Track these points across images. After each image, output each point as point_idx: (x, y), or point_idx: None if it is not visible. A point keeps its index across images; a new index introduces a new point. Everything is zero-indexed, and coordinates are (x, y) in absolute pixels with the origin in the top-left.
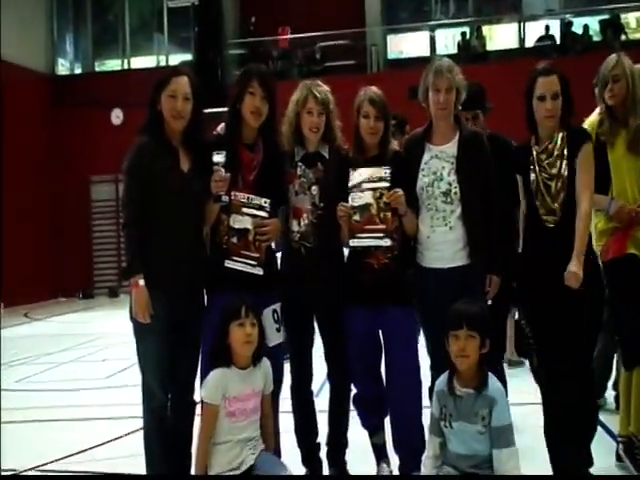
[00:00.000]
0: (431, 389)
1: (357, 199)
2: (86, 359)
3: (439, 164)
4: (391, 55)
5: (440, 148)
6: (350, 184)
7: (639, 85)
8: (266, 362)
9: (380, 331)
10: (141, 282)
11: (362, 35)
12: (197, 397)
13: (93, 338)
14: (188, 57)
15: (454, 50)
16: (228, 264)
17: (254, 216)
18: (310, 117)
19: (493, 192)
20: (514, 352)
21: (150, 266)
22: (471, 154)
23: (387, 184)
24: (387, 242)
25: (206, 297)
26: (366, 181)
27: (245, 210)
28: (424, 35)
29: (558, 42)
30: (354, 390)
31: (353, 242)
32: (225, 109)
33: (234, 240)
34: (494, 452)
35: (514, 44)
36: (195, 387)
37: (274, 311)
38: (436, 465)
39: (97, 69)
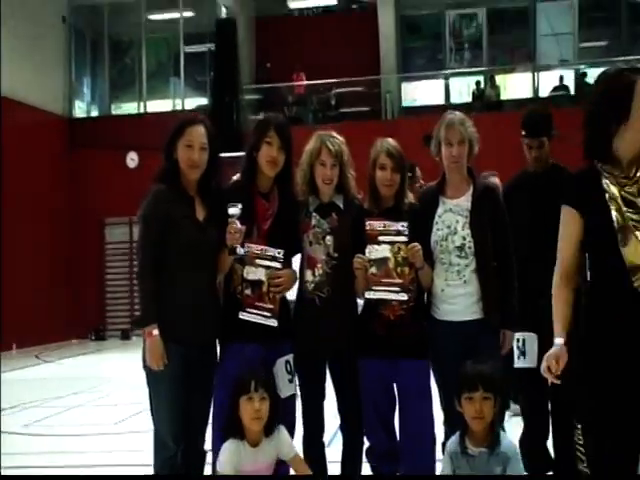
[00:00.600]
0: (444, 444)
1: (374, 252)
2: (96, 403)
3: (453, 218)
4: (405, 102)
5: (454, 202)
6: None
7: None
8: (281, 432)
9: (395, 384)
10: (155, 332)
11: (377, 82)
12: (207, 445)
13: (104, 382)
14: (204, 101)
15: (468, 98)
16: (243, 316)
17: (268, 267)
18: (323, 169)
19: (507, 246)
20: None
21: (164, 315)
22: (485, 208)
23: (405, 238)
24: (404, 296)
25: (219, 347)
26: (383, 233)
27: (259, 262)
28: (439, 83)
29: (572, 92)
30: (367, 442)
31: (369, 294)
32: (240, 154)
33: (248, 292)
34: None
35: (528, 93)
36: (206, 437)
37: (287, 362)
38: None
39: (113, 112)
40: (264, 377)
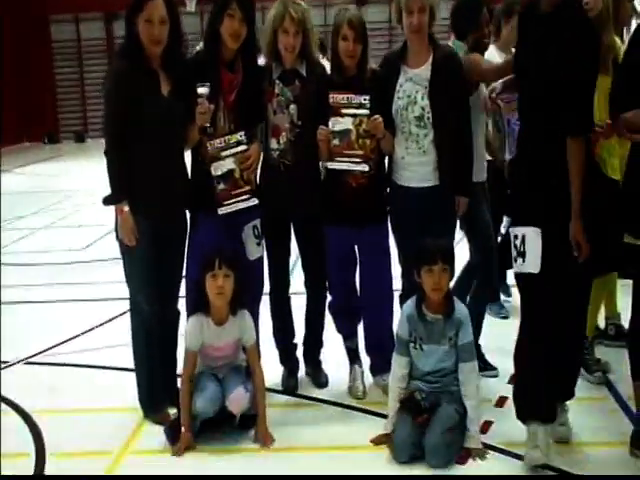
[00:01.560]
0: (401, 296)
1: (337, 124)
2: (60, 224)
3: (413, 88)
4: None
5: (415, 71)
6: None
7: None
8: (245, 315)
9: (356, 246)
10: (126, 208)
11: None
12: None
13: (64, 197)
14: None
15: None
16: (222, 211)
17: (235, 154)
18: (286, 37)
19: (463, 116)
20: None
21: (133, 190)
22: (444, 78)
23: (367, 111)
24: (364, 167)
25: (189, 218)
26: (346, 106)
27: (225, 153)
28: None
29: None
30: (330, 298)
31: (332, 165)
32: None
33: (221, 186)
34: (460, 365)
35: None
36: (179, 298)
37: (254, 227)
38: (403, 385)
39: None
40: (228, 255)
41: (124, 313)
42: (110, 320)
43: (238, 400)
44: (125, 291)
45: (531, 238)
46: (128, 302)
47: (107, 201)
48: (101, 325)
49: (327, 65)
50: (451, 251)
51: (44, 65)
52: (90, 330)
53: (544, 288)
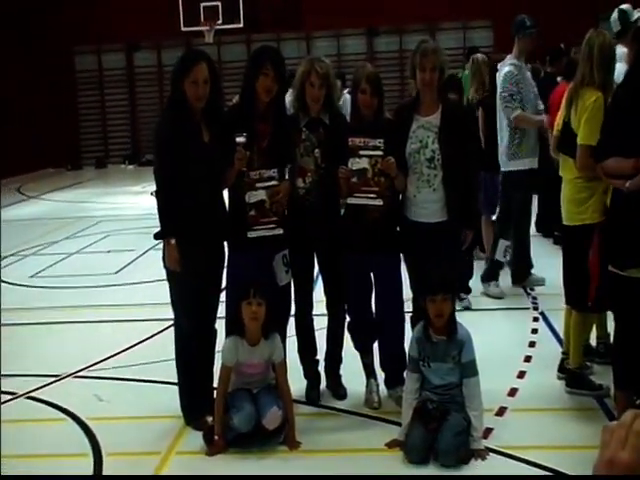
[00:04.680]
0: (412, 317)
1: (355, 164)
2: (92, 249)
3: (425, 133)
4: None
5: (426, 119)
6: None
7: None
8: (275, 337)
9: (372, 273)
10: (172, 241)
11: None
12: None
13: (93, 223)
14: None
15: None
16: (251, 235)
17: (267, 187)
18: (312, 89)
19: (471, 158)
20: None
21: (179, 225)
22: (452, 125)
23: (381, 153)
24: (379, 202)
25: (227, 254)
26: (363, 148)
27: (258, 185)
28: None
29: None
30: (348, 318)
31: (351, 200)
32: None
33: (252, 213)
34: (464, 381)
35: None
36: (216, 319)
37: (284, 256)
38: (415, 397)
39: None
40: (261, 285)
41: (158, 333)
42: (147, 339)
43: (274, 419)
44: (157, 313)
45: None
46: (163, 322)
47: (157, 236)
48: (140, 343)
49: (346, 95)
50: (452, 282)
51: (68, 94)
52: (130, 348)
53: None
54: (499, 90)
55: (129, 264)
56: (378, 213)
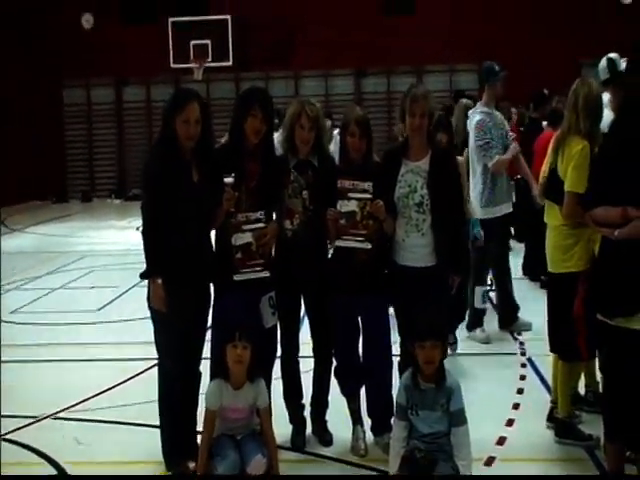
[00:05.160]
0: (399, 362)
1: (344, 206)
2: (75, 284)
3: (413, 178)
4: None
5: (415, 164)
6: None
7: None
8: (260, 382)
9: (359, 317)
10: (159, 281)
11: None
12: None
13: (77, 257)
14: None
15: None
16: (237, 277)
17: (253, 230)
18: (302, 131)
19: (458, 203)
20: None
21: (165, 264)
22: (441, 170)
23: (370, 196)
24: (367, 245)
25: (213, 294)
26: (352, 191)
27: (245, 227)
28: None
29: None
30: (335, 363)
31: (339, 242)
32: None
33: (239, 255)
34: (452, 429)
35: None
36: (201, 360)
37: (270, 298)
38: (402, 445)
39: None
40: (247, 329)
41: (141, 373)
42: (130, 379)
43: (258, 467)
44: (140, 352)
45: None
46: (147, 362)
47: (143, 276)
48: (122, 383)
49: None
50: (442, 328)
51: (56, 127)
52: (111, 388)
53: None
54: (474, 139)
55: (113, 301)
56: (366, 255)
